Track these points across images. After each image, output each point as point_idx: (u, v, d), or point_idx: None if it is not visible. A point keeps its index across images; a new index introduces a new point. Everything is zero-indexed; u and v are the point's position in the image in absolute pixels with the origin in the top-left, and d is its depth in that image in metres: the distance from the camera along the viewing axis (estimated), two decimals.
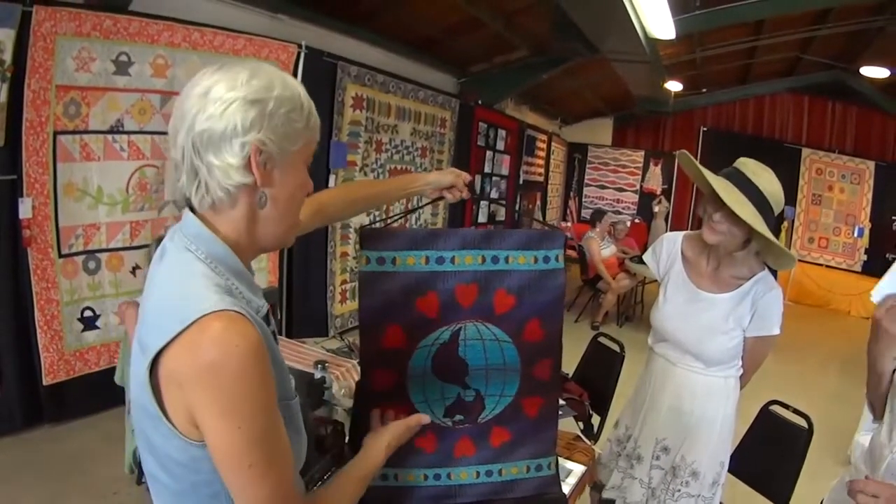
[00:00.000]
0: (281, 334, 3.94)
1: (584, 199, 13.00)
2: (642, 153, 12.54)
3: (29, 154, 3.36)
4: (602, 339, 3.36)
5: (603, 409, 3.12)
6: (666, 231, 11.05)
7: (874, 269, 10.33)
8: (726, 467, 2.27)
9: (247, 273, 1.05)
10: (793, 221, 11.07)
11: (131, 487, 3.03)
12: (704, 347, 2.14)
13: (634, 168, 12.57)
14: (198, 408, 0.90)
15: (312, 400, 2.23)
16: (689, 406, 2.20)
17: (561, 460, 1.98)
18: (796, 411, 2.51)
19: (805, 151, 11.08)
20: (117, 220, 3.86)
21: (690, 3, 5.86)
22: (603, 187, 12.88)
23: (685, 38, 7.13)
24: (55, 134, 3.46)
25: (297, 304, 5.29)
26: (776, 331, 2.10)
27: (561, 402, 2.68)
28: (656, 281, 2.40)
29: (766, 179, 1.98)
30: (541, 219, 11.06)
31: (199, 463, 0.95)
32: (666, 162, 12.19)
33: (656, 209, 12.01)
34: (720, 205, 1.95)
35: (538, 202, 11.41)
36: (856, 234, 10.74)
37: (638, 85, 8.95)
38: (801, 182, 11.15)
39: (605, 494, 2.40)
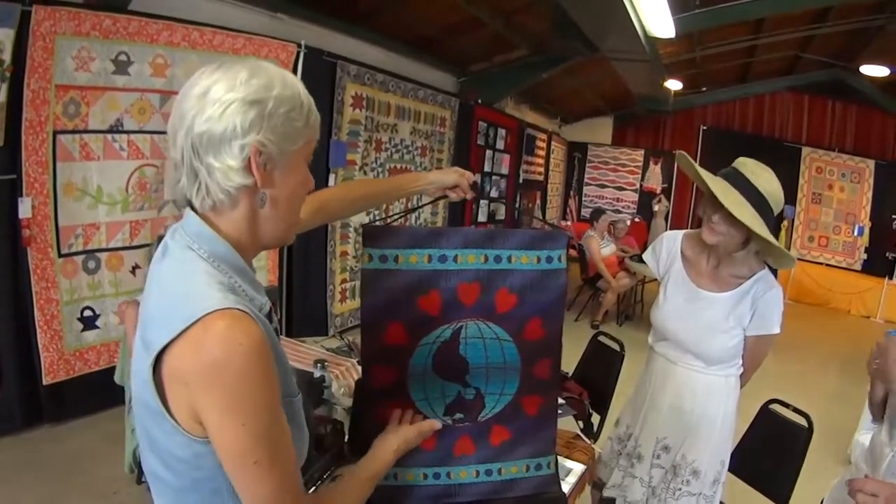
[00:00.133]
0: (281, 333, 3.95)
1: (583, 198, 13.00)
2: (642, 152, 12.53)
3: (28, 154, 3.36)
4: (602, 338, 3.36)
5: (603, 408, 3.12)
6: (666, 230, 11.04)
7: (874, 267, 10.35)
8: (727, 465, 2.27)
9: (249, 271, 1.05)
10: (793, 220, 11.07)
11: (131, 487, 3.03)
12: (705, 346, 2.14)
13: (634, 167, 12.57)
14: (202, 405, 0.90)
15: (312, 399, 2.23)
16: (689, 405, 2.20)
17: (561, 459, 1.98)
18: (796, 410, 2.51)
19: (805, 150, 11.08)
20: (117, 220, 3.86)
21: (690, 1, 5.86)
22: (603, 186, 12.87)
23: (685, 37, 7.12)
24: (55, 133, 3.46)
25: (296, 303, 5.29)
26: (776, 330, 2.10)
27: (561, 400, 2.68)
28: (656, 280, 2.40)
29: (765, 179, 1.97)
30: (541, 217, 11.06)
31: (201, 459, 0.95)
32: (666, 161, 12.18)
33: (656, 208, 12.01)
34: (718, 206, 1.95)
35: (538, 201, 11.40)
36: (856, 233, 10.75)
37: (638, 84, 8.95)
38: (801, 181, 11.14)
39: (606, 493, 2.40)
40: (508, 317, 1.57)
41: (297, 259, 5.22)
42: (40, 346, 3.55)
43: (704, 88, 11.30)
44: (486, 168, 8.61)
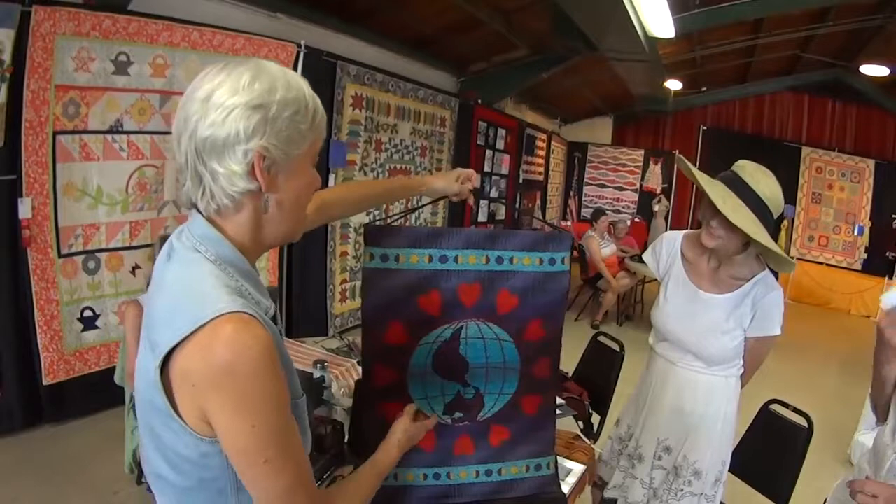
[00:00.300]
0: (280, 334, 3.94)
1: (583, 198, 12.99)
2: (642, 152, 12.52)
3: (28, 154, 3.36)
4: (602, 339, 3.36)
5: (603, 408, 3.12)
6: (666, 230, 11.04)
7: (874, 267, 10.34)
8: (728, 465, 2.27)
9: (254, 274, 1.05)
10: (793, 220, 11.07)
11: (131, 487, 3.03)
12: (705, 347, 2.14)
13: (634, 167, 12.56)
14: (212, 408, 0.91)
15: (312, 399, 2.23)
16: (690, 406, 2.19)
17: (560, 460, 1.98)
18: (796, 410, 2.51)
19: (805, 150, 11.08)
20: (117, 220, 3.86)
21: (690, 1, 5.86)
22: (603, 186, 12.86)
23: (685, 37, 7.13)
24: (54, 134, 3.46)
25: (296, 304, 5.29)
26: (777, 331, 2.10)
27: (560, 401, 2.68)
28: (656, 280, 2.40)
29: (764, 183, 1.96)
30: (541, 217, 11.05)
31: (208, 459, 0.96)
32: (666, 161, 12.18)
33: (656, 208, 12.00)
34: (717, 211, 1.94)
35: (538, 201, 11.40)
36: (856, 233, 10.74)
37: (637, 84, 8.96)
38: (801, 181, 11.13)
39: (607, 494, 2.40)
40: (509, 318, 1.57)
41: (297, 259, 5.22)
42: (40, 347, 3.55)
43: (704, 88, 11.30)
44: (486, 168, 8.61)
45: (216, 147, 0.94)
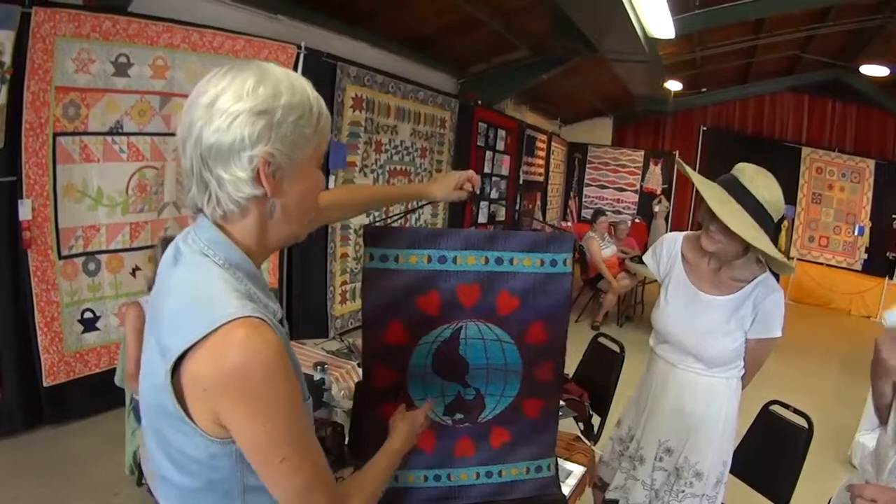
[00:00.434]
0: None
1: (584, 199, 12.99)
2: (642, 153, 12.52)
3: (28, 155, 3.36)
4: (602, 340, 3.35)
5: (603, 409, 3.12)
6: (666, 231, 11.07)
7: (875, 267, 10.33)
8: (729, 466, 2.27)
9: (261, 277, 1.06)
10: (793, 220, 11.06)
11: (132, 489, 3.02)
12: (706, 349, 2.13)
13: (634, 168, 12.56)
14: (226, 411, 0.92)
15: (312, 402, 2.23)
16: (691, 407, 2.19)
17: (561, 461, 1.98)
18: (796, 411, 2.51)
19: (805, 150, 11.08)
20: (117, 222, 3.86)
21: (690, 2, 5.86)
22: (603, 187, 12.86)
23: (685, 38, 7.13)
24: (55, 135, 3.46)
25: (296, 306, 5.29)
26: (778, 333, 2.09)
27: (560, 402, 2.67)
28: (657, 281, 2.40)
29: (763, 187, 1.96)
30: (541, 219, 11.05)
31: (217, 460, 0.97)
32: (666, 162, 12.18)
33: (656, 209, 12.00)
34: (715, 216, 1.95)
35: (538, 202, 11.40)
36: (856, 233, 10.74)
37: (637, 84, 8.96)
38: (801, 181, 11.12)
39: (609, 495, 2.40)
40: (510, 319, 1.57)
41: (297, 261, 5.22)
42: (41, 348, 3.55)
43: (704, 89, 11.30)
44: (487, 169, 8.61)
45: (221, 153, 0.95)
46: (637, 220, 11.97)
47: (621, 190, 12.73)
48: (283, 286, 5.12)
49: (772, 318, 2.08)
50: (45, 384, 3.59)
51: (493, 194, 9.00)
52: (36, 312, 3.51)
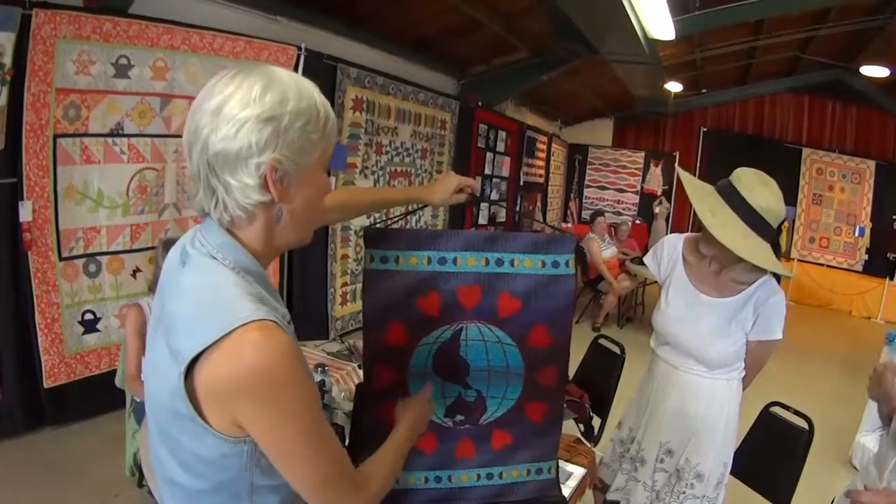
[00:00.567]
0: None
1: (584, 201, 12.99)
2: (642, 154, 12.52)
3: (29, 157, 3.36)
4: (603, 341, 3.35)
5: (604, 410, 3.12)
6: (667, 232, 11.08)
7: (875, 268, 10.33)
8: (729, 467, 2.27)
9: (269, 280, 1.07)
10: (793, 222, 11.05)
11: (132, 490, 3.02)
12: (706, 351, 2.13)
13: (635, 169, 12.56)
14: (244, 412, 0.93)
15: None
16: (692, 409, 2.19)
17: (561, 463, 1.98)
18: (797, 412, 2.50)
19: (805, 151, 11.07)
20: (118, 224, 3.86)
21: (690, 3, 5.86)
22: (603, 188, 12.86)
23: (685, 39, 7.12)
24: (55, 137, 3.46)
25: (297, 307, 5.29)
26: (779, 335, 2.09)
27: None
28: (658, 282, 2.40)
29: (760, 194, 1.93)
30: (541, 220, 11.05)
31: (228, 459, 0.98)
32: (666, 163, 12.18)
33: (657, 210, 12.00)
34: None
35: (538, 203, 11.40)
36: (857, 234, 10.73)
37: (638, 86, 8.96)
38: (801, 182, 11.11)
39: (609, 497, 2.40)
40: (511, 321, 1.57)
41: (298, 262, 5.22)
42: (41, 350, 3.55)
43: (705, 90, 11.30)
44: (487, 171, 8.61)
45: (228, 160, 0.95)
46: (638, 222, 11.97)
47: (622, 191, 12.73)
48: (284, 287, 5.12)
49: (773, 320, 2.07)
50: (45, 385, 3.59)
51: (494, 196, 9.00)
52: (36, 314, 3.51)
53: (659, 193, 12.22)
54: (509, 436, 1.65)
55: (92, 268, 3.77)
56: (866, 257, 10.66)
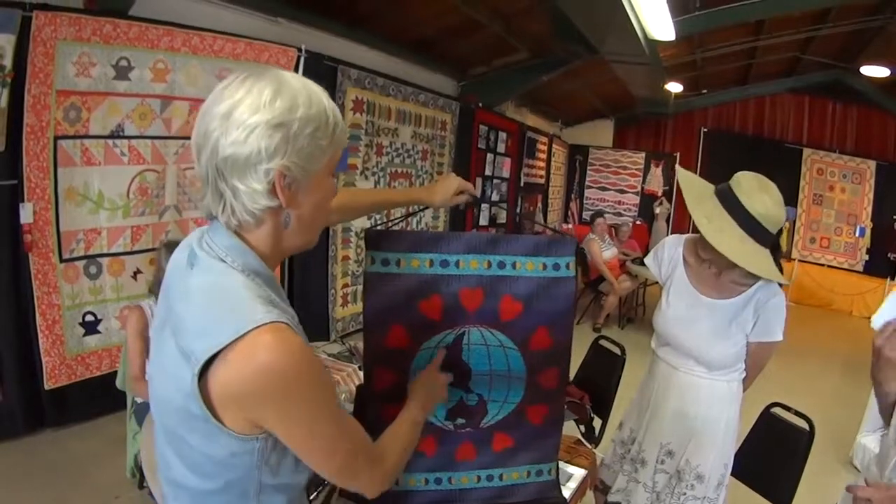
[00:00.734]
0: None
1: (585, 201, 12.98)
2: (643, 155, 12.51)
3: (29, 159, 3.36)
4: (603, 342, 3.35)
5: (604, 411, 3.12)
6: (667, 233, 11.07)
7: (876, 268, 10.31)
8: (730, 469, 2.27)
9: (277, 283, 1.08)
10: (794, 222, 11.05)
11: (133, 492, 3.02)
12: (707, 352, 2.13)
13: (635, 170, 12.55)
14: (262, 412, 0.95)
15: None
16: (693, 410, 2.19)
17: (562, 464, 1.98)
18: (798, 413, 2.50)
19: (806, 152, 11.06)
20: (118, 225, 3.86)
21: (690, 4, 5.86)
22: (604, 189, 12.85)
23: (685, 40, 7.12)
24: (56, 139, 3.46)
25: (298, 308, 5.18)
26: (779, 337, 2.09)
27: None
28: (658, 282, 2.40)
29: (758, 200, 1.91)
30: (542, 222, 11.05)
31: (238, 458, 0.98)
32: (667, 163, 12.17)
33: (657, 211, 11.99)
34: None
35: (539, 204, 11.40)
36: (857, 234, 10.72)
37: (638, 86, 8.95)
38: (802, 182, 11.10)
39: (610, 498, 2.40)
40: (513, 325, 1.56)
41: (299, 263, 5.22)
42: (42, 351, 3.55)
43: (705, 90, 11.30)
44: (488, 172, 8.61)
45: (237, 166, 0.95)
46: (638, 222, 11.96)
47: (622, 192, 12.72)
48: (285, 288, 5.09)
49: (773, 321, 2.07)
50: (46, 387, 3.59)
51: (494, 197, 8.99)
52: (37, 315, 3.51)
53: (659, 194, 12.21)
54: (510, 438, 1.65)
55: (93, 269, 3.77)
56: (867, 257, 10.65)
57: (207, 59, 4.08)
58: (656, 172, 12.33)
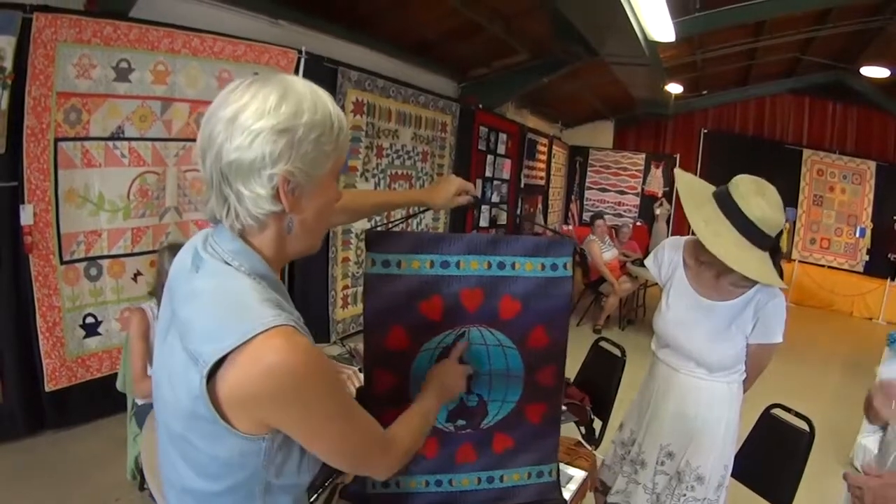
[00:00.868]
0: None
1: (585, 203, 12.99)
2: (643, 156, 12.52)
3: (30, 161, 3.37)
4: (604, 344, 3.35)
5: (605, 413, 3.12)
6: (668, 234, 11.07)
7: (876, 269, 10.32)
8: (730, 470, 2.27)
9: (282, 286, 1.08)
10: (794, 223, 11.05)
11: (133, 494, 3.02)
12: (707, 354, 2.13)
13: (636, 171, 12.56)
14: (271, 413, 0.96)
15: None
16: (693, 411, 2.19)
17: (562, 466, 1.98)
18: (798, 414, 2.50)
19: (806, 152, 11.07)
20: (119, 227, 3.86)
21: (690, 5, 5.86)
22: (604, 190, 12.86)
23: (685, 41, 7.12)
24: (56, 141, 3.46)
25: (297, 310, 5.26)
26: (779, 339, 2.09)
27: (562, 407, 2.67)
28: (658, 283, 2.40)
29: (755, 204, 1.90)
30: (543, 224, 11.05)
31: (246, 458, 0.99)
32: (667, 164, 12.17)
33: (658, 212, 11.98)
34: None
35: (539, 206, 11.40)
36: (857, 235, 10.72)
37: (638, 87, 8.96)
38: (802, 183, 11.11)
39: (610, 499, 2.40)
40: (512, 324, 1.57)
41: (299, 265, 5.21)
42: (42, 353, 3.55)
43: (705, 91, 11.31)
44: (488, 173, 8.61)
45: (242, 170, 0.96)
46: (638, 224, 11.96)
47: (622, 193, 12.73)
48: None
49: (773, 323, 2.07)
50: (46, 389, 3.59)
51: (495, 198, 8.99)
52: (38, 317, 3.51)
53: (660, 195, 12.21)
54: (510, 439, 1.65)
55: (93, 271, 3.78)
56: (867, 258, 10.65)
57: (208, 60, 4.08)
58: (656, 173, 12.34)
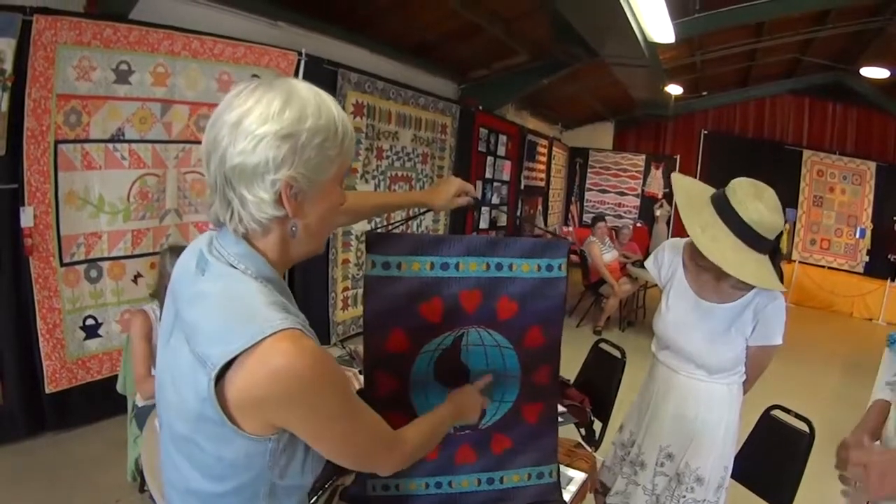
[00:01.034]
0: None
1: (585, 204, 12.99)
2: (643, 157, 12.53)
3: (30, 163, 3.37)
4: (603, 345, 3.35)
5: (605, 414, 3.11)
6: (668, 235, 11.07)
7: (876, 269, 10.32)
8: (730, 471, 2.27)
9: (287, 289, 1.08)
10: (794, 223, 11.05)
11: (133, 495, 3.02)
12: (707, 356, 2.13)
13: (636, 172, 12.56)
14: (279, 415, 0.96)
15: None
16: (693, 413, 2.19)
17: (562, 467, 1.98)
18: (798, 415, 2.50)
19: (806, 153, 11.07)
20: (119, 229, 3.86)
21: (690, 6, 5.87)
22: (604, 192, 12.87)
23: (685, 42, 7.14)
24: (56, 143, 3.47)
25: None
26: (778, 341, 2.08)
27: (562, 408, 2.67)
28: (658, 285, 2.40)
29: (753, 208, 1.88)
30: (542, 225, 11.06)
31: (252, 459, 0.99)
32: (667, 166, 12.18)
33: (658, 213, 11.98)
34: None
35: (539, 207, 11.40)
36: (857, 235, 10.73)
37: (638, 89, 8.96)
38: (802, 184, 11.11)
39: (610, 500, 2.40)
40: (509, 324, 1.57)
41: (299, 266, 5.21)
42: (43, 355, 3.55)
43: (705, 93, 11.32)
44: (488, 175, 8.61)
45: (245, 175, 0.96)
46: (639, 225, 11.97)
47: (622, 194, 12.73)
48: None
49: (773, 325, 2.07)
50: (47, 391, 3.59)
51: (495, 200, 9.00)
52: (38, 319, 3.51)
53: (660, 196, 12.21)
54: (508, 439, 1.65)
55: (93, 273, 3.78)
56: (867, 259, 10.65)
57: (207, 62, 4.08)
58: (656, 175, 12.34)
